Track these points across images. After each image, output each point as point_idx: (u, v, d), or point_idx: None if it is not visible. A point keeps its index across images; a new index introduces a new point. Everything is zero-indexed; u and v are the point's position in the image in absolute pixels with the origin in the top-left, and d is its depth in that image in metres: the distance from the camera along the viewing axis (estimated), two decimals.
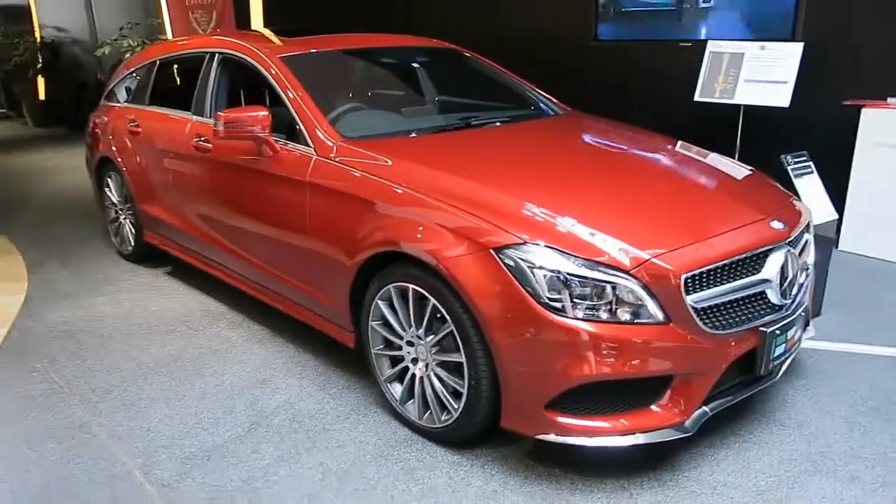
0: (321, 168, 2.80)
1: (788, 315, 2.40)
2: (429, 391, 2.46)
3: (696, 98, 4.82)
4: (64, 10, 11.15)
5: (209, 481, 2.32)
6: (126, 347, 3.32)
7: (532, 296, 2.10)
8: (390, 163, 2.66)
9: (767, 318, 2.34)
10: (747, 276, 2.30)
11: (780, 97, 4.47)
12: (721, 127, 4.84)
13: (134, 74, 4.49)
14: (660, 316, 2.13)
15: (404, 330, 2.50)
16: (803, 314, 2.53)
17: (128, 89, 4.53)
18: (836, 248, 4.54)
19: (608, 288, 2.11)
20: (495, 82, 3.86)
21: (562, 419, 2.16)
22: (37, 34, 11.77)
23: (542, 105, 3.72)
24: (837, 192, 4.47)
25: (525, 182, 2.56)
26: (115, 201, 4.54)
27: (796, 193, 3.30)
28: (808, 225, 2.73)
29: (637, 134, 3.33)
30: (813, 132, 4.72)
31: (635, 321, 2.13)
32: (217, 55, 3.65)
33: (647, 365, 2.14)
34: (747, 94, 4.63)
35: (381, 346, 2.62)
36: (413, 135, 3.05)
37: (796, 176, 3.42)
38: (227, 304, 3.78)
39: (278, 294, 3.20)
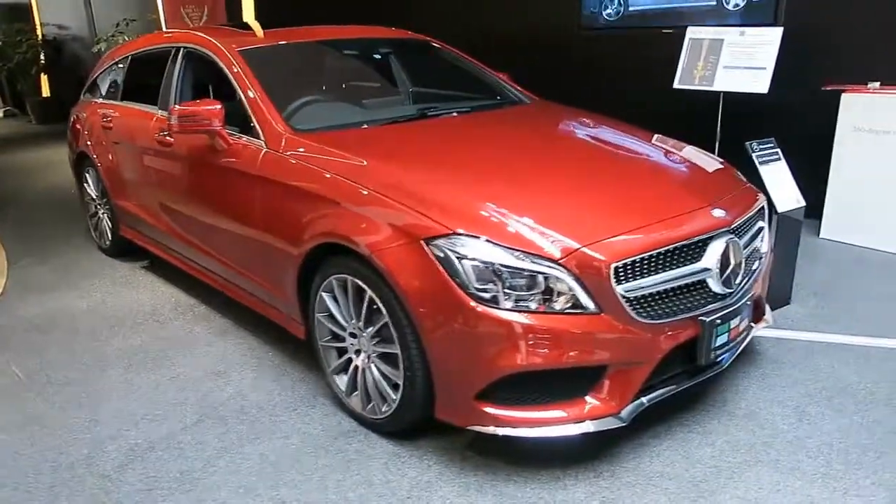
0: (270, 160, 2.81)
1: (732, 304, 2.37)
2: (370, 382, 2.46)
3: (675, 85, 4.75)
4: (64, 8, 11.26)
5: (149, 472, 2.34)
6: (90, 341, 3.35)
7: (460, 286, 2.09)
8: (338, 155, 2.65)
9: (708, 308, 2.31)
10: (685, 264, 2.26)
11: (759, 83, 4.40)
12: (704, 115, 4.78)
13: (109, 70, 4.52)
14: (591, 306, 2.11)
15: (347, 322, 2.51)
16: (750, 303, 2.50)
17: (109, 83, 4.56)
18: (818, 235, 4.48)
19: (539, 278, 2.09)
20: (462, 72, 3.83)
21: (492, 410, 2.15)
22: (38, 32, 11.89)
23: (507, 95, 3.69)
24: (819, 178, 4.40)
25: (465, 172, 2.54)
26: (94, 196, 4.58)
27: (760, 181, 3.26)
28: (760, 212, 2.68)
29: (598, 123, 3.28)
30: (794, 118, 4.64)
31: (566, 311, 2.11)
32: (182, 50, 3.66)
33: (578, 355, 2.12)
34: (726, 81, 4.56)
35: (328, 338, 2.63)
36: (365, 126, 3.04)
37: (762, 163, 3.37)
38: (197, 298, 3.81)
39: (238, 287, 3.21)
